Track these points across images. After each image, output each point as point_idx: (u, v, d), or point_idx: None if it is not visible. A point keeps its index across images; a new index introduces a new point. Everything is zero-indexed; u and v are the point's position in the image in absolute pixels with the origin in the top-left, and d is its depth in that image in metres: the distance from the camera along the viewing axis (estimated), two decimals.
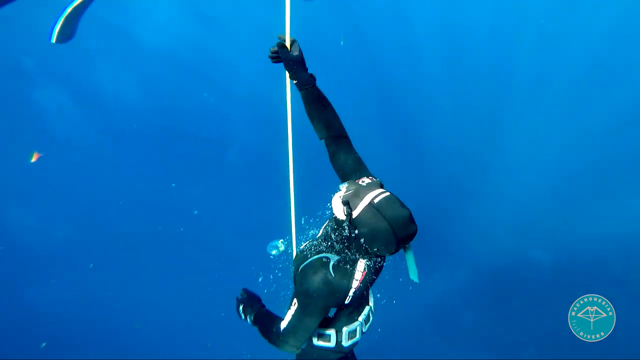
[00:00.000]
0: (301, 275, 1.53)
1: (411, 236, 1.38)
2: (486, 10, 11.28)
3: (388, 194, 1.38)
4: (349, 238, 1.43)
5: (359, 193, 1.38)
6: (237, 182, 8.47)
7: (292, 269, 1.73)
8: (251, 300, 1.84)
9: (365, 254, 1.45)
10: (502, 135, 10.02)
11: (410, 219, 1.35)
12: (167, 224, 7.05)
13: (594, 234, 7.52)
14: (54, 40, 3.74)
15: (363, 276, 1.51)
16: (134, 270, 6.72)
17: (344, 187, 1.46)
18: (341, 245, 1.50)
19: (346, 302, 1.53)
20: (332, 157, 1.67)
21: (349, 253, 1.50)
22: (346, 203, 1.38)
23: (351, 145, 1.69)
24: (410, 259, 1.51)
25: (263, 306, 1.82)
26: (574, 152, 9.53)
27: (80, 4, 3.70)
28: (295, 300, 1.53)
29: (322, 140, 1.68)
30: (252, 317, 1.77)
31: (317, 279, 1.45)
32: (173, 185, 7.43)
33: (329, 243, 1.58)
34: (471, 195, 9.05)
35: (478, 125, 10.14)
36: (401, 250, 1.46)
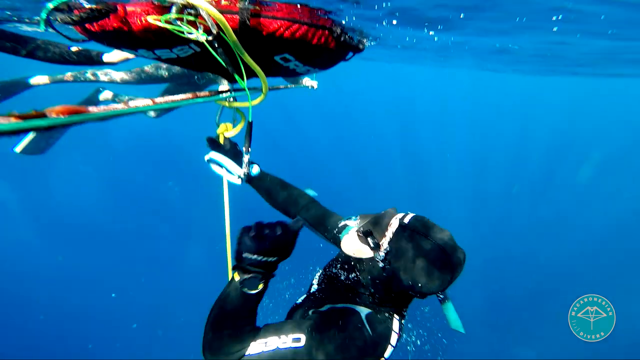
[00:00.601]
0: (326, 316, 1.12)
1: (462, 262, 1.05)
2: None
3: (413, 214, 1.13)
4: (378, 280, 1.12)
5: (378, 220, 1.12)
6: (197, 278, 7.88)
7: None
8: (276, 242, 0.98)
9: (405, 296, 1.12)
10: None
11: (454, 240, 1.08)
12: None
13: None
14: (17, 150, 3.55)
15: (398, 339, 1.13)
16: None
17: (353, 223, 1.20)
18: (365, 296, 1.16)
19: None
20: (314, 225, 1.50)
21: (377, 303, 1.14)
22: (368, 233, 1.10)
23: (321, 206, 1.53)
24: (448, 305, 1.22)
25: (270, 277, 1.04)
26: None
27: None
28: (302, 335, 1.02)
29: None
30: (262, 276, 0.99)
31: (353, 330, 1.04)
32: (113, 295, 6.67)
33: (339, 296, 1.21)
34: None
35: None
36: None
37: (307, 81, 2.78)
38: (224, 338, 1.00)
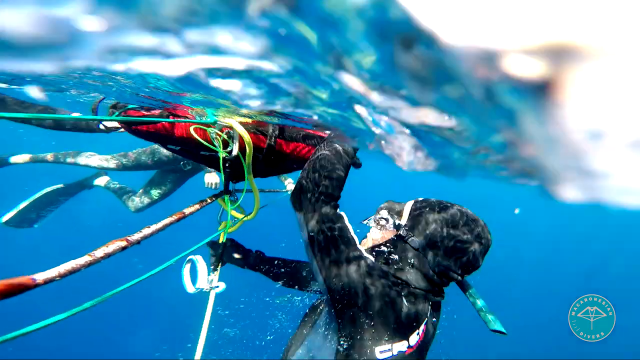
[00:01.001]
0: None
1: (483, 223, 1.08)
2: None
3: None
4: (410, 260, 1.09)
5: (390, 203, 1.21)
6: None
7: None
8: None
9: (441, 277, 1.08)
10: None
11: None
12: None
13: None
14: (3, 220, 3.30)
15: (423, 335, 1.08)
16: None
17: (372, 223, 1.22)
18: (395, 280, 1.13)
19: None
20: None
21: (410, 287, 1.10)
22: (384, 213, 1.17)
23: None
24: (476, 297, 1.18)
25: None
26: None
27: (49, 198, 3.50)
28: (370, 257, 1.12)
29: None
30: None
31: (394, 291, 1.05)
32: None
33: None
34: None
35: None
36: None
37: (290, 185, 2.91)
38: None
